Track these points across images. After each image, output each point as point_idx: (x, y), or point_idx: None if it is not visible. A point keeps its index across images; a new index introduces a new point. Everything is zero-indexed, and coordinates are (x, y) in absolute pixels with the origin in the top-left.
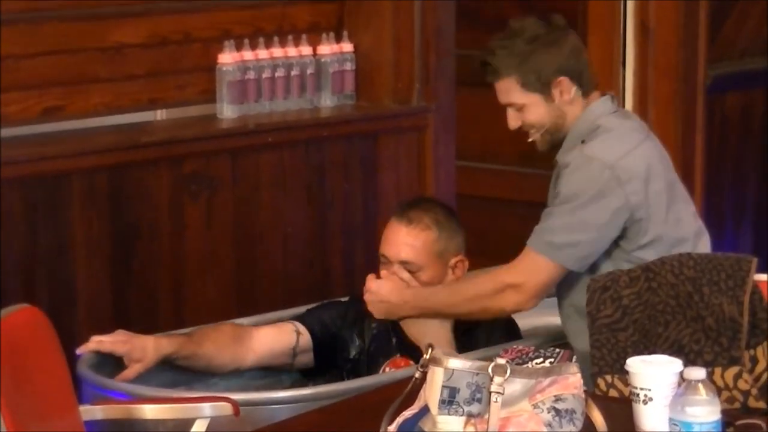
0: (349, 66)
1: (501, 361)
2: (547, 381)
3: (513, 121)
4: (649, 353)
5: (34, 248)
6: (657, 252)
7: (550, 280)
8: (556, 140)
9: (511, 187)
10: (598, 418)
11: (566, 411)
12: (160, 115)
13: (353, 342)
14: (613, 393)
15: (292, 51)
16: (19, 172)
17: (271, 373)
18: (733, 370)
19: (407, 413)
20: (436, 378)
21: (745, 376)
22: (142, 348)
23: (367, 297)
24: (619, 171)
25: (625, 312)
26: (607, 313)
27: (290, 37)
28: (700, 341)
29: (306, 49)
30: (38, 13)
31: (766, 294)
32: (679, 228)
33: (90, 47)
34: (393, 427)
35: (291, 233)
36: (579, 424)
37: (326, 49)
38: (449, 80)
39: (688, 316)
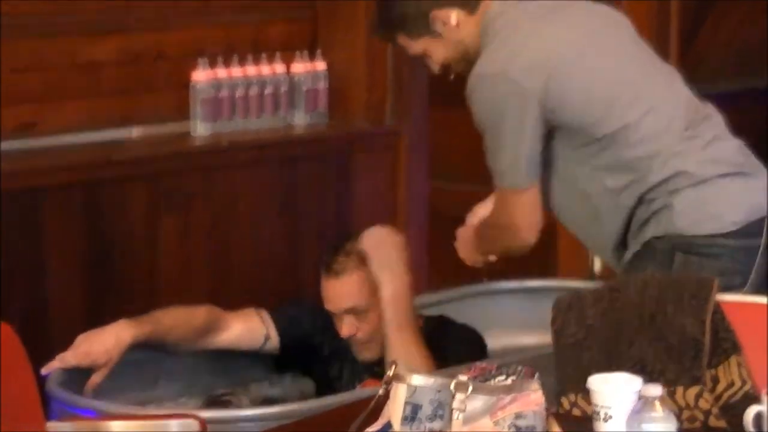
0: (322, 84)
1: (463, 378)
2: (508, 398)
3: (434, 67)
4: (614, 372)
5: (9, 263)
6: (628, 145)
7: (535, 206)
8: (469, 62)
9: None
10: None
11: (527, 428)
12: (135, 131)
13: (321, 350)
14: (576, 412)
15: (265, 69)
16: None
17: (242, 364)
18: (695, 390)
19: (371, 429)
20: (399, 394)
21: (706, 395)
22: (105, 351)
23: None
24: (509, 75)
25: (590, 331)
26: (572, 332)
27: (264, 55)
28: (663, 360)
29: (280, 67)
30: (12, 30)
31: (727, 314)
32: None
33: (64, 64)
34: None
35: (264, 249)
36: None
37: (300, 67)
38: (422, 99)
39: (651, 336)
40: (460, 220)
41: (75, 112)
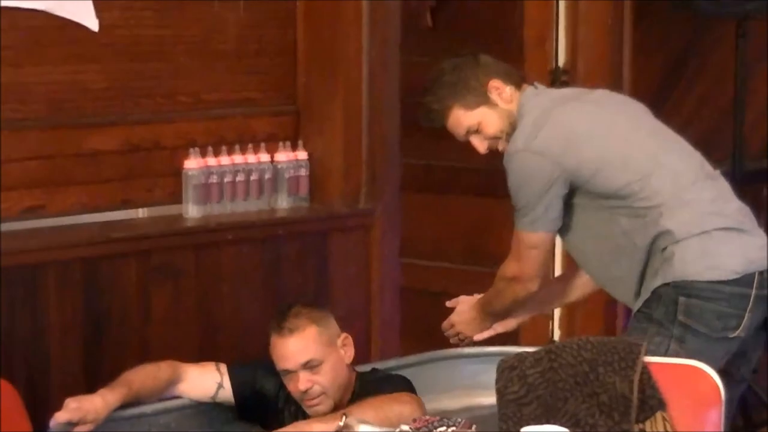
0: (303, 171)
1: (405, 427)
2: (444, 419)
3: (480, 145)
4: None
5: (13, 331)
6: (624, 201)
7: (540, 254)
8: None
9: (456, 283)
10: None
11: None
12: (132, 214)
13: (276, 403)
14: None
15: (251, 158)
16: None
17: (223, 418)
18: None
19: None
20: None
21: None
22: (95, 410)
23: (452, 332)
24: (533, 149)
25: (530, 389)
26: (514, 389)
27: (250, 146)
28: (595, 415)
29: (264, 156)
30: (22, 122)
31: (654, 374)
32: (667, 180)
33: (68, 153)
34: None
35: (248, 319)
36: None
37: (283, 156)
38: (394, 184)
39: (585, 393)
40: (429, 293)
41: (78, 196)
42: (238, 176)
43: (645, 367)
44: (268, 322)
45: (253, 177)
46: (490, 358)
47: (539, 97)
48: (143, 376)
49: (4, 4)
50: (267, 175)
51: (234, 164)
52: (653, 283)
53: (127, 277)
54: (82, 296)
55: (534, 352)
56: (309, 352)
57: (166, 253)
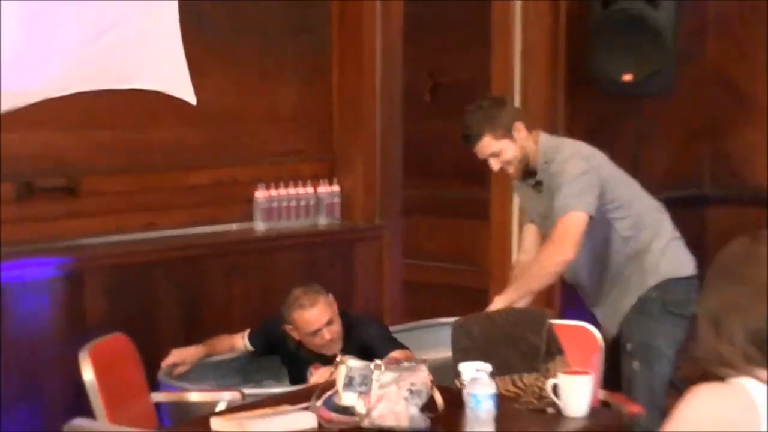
0: (336, 200)
1: (379, 362)
2: (407, 374)
3: (495, 165)
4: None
5: (138, 307)
6: (622, 213)
7: (582, 229)
8: (523, 168)
9: (448, 277)
10: (438, 397)
11: (416, 391)
12: (218, 228)
13: (281, 352)
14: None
15: (300, 190)
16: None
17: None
18: (533, 376)
19: (328, 393)
20: (341, 372)
21: (541, 379)
22: (190, 357)
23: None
24: (586, 158)
25: (473, 342)
26: (462, 342)
27: (300, 182)
28: (516, 359)
29: (309, 189)
30: (145, 165)
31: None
32: (639, 205)
33: (176, 186)
34: (320, 402)
35: None
36: (424, 398)
37: (322, 189)
38: (397, 209)
39: (510, 344)
40: (426, 285)
41: (182, 215)
42: (291, 203)
43: (550, 327)
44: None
45: (302, 203)
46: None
47: (553, 137)
48: (219, 340)
49: (133, 86)
50: (311, 202)
51: (288, 195)
52: (640, 288)
53: (214, 271)
54: (183, 284)
55: (476, 315)
56: (327, 315)
57: (241, 256)
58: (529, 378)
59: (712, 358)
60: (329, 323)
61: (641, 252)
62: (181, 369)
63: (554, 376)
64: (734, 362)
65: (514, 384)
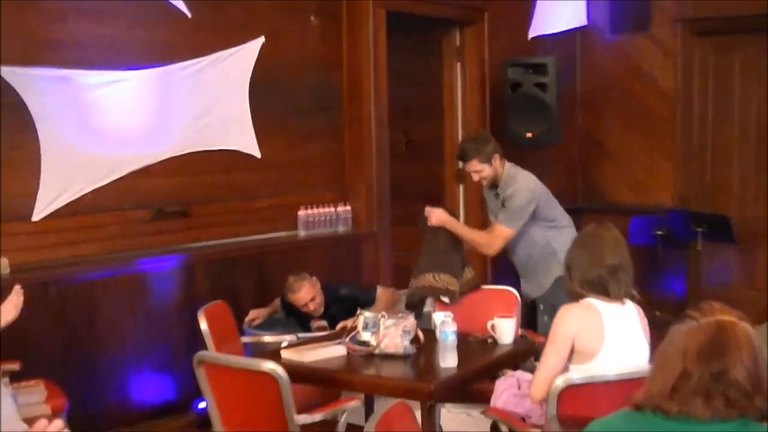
0: (348, 215)
1: (384, 313)
2: (401, 321)
3: (475, 177)
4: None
5: (225, 286)
6: (550, 226)
7: (506, 241)
8: (493, 183)
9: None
10: (420, 334)
11: (407, 331)
12: (274, 235)
13: (294, 312)
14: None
15: (325, 209)
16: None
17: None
18: (448, 276)
19: (352, 333)
20: (360, 320)
21: (455, 280)
22: (262, 313)
23: (427, 211)
24: (532, 190)
25: (428, 252)
26: (422, 253)
27: (325, 204)
28: (442, 266)
29: (331, 209)
30: (228, 197)
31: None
32: (561, 218)
33: (248, 209)
34: (347, 339)
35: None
36: (412, 335)
37: (339, 208)
38: (387, 221)
39: (453, 252)
40: (405, 268)
41: (252, 227)
42: (320, 218)
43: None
44: (332, 282)
45: (327, 218)
46: None
47: (514, 168)
48: (275, 304)
49: (222, 147)
50: (332, 217)
51: (318, 212)
52: (555, 274)
53: (273, 262)
54: (255, 271)
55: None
56: (311, 294)
57: (288, 253)
58: (444, 277)
59: (569, 291)
60: (312, 299)
61: (558, 249)
62: (257, 322)
63: (466, 279)
64: (581, 292)
65: (434, 278)
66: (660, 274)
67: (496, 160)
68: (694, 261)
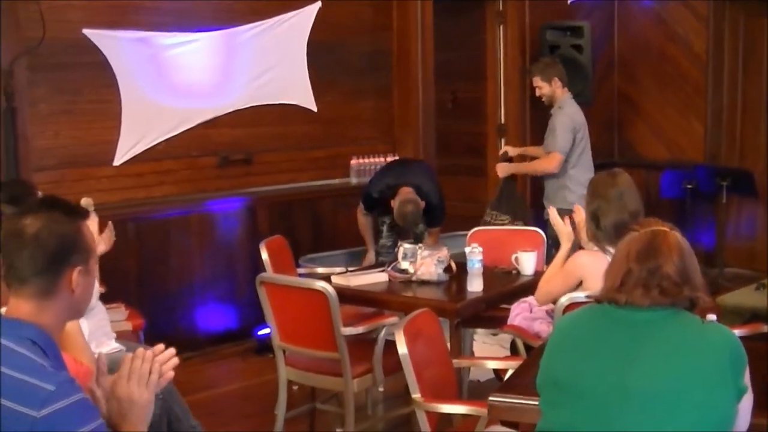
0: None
1: (421, 245)
2: (436, 251)
3: (537, 92)
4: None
5: (282, 225)
6: (573, 159)
7: (557, 161)
8: (550, 102)
9: (461, 211)
10: (453, 264)
11: (441, 261)
12: (330, 181)
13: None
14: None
15: (376, 159)
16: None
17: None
18: (506, 217)
19: (393, 263)
20: (401, 251)
21: (508, 220)
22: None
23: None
24: (572, 118)
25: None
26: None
27: (375, 155)
28: (512, 206)
29: (381, 158)
30: (290, 146)
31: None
32: (582, 172)
33: (308, 158)
34: (389, 268)
35: (353, 219)
36: (445, 264)
37: (389, 158)
38: (432, 160)
39: (512, 198)
40: None
41: (310, 174)
42: (371, 167)
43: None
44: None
45: (378, 167)
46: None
47: (569, 100)
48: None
49: (282, 101)
50: (374, 167)
51: (369, 162)
52: (566, 201)
53: (327, 204)
54: (311, 212)
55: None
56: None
57: (342, 197)
58: (502, 217)
59: (593, 239)
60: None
61: (572, 178)
62: (310, 255)
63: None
64: (609, 239)
65: (497, 217)
66: (690, 226)
67: (556, 83)
68: (722, 214)
